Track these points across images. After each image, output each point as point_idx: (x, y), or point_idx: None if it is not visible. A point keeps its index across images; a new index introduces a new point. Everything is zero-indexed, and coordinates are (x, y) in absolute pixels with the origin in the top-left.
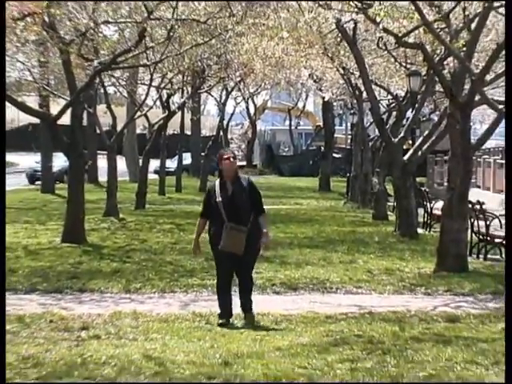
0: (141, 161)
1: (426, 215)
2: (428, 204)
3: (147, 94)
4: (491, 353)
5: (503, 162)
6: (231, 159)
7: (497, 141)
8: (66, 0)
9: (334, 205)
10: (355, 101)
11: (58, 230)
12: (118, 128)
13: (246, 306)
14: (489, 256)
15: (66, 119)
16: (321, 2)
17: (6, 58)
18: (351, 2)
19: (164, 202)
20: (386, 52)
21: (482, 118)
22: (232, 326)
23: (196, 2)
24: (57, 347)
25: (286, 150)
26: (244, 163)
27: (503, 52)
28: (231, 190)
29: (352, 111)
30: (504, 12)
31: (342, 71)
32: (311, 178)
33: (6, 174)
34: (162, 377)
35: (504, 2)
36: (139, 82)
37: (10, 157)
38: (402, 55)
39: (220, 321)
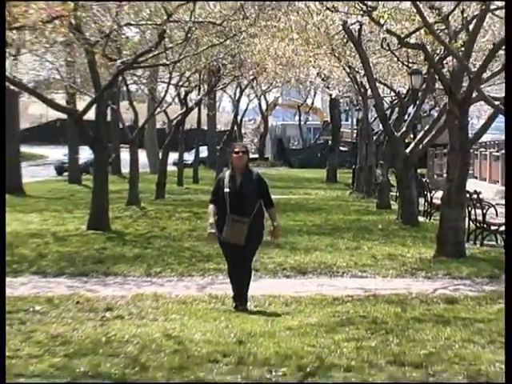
0: (160, 154)
1: (426, 204)
2: (428, 194)
3: (166, 92)
4: (487, 332)
5: (498, 154)
6: (240, 153)
7: (493, 135)
8: (91, 0)
9: (340, 195)
10: (360, 98)
11: (84, 218)
12: (140, 123)
13: (242, 299)
14: (485, 242)
15: (91, 115)
16: (328, 5)
17: (36, 58)
18: (357, 5)
19: (182, 192)
20: (389, 52)
21: (478, 114)
22: (245, 308)
23: (212, 5)
24: (83, 326)
25: (296, 143)
26: (256, 156)
27: (499, 51)
28: (239, 182)
29: (357, 107)
30: (500, 14)
31: (348, 70)
32: (319, 170)
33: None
34: (181, 354)
35: (501, 4)
36: (159, 80)
37: (39, 150)
38: (404, 55)
39: (234, 303)
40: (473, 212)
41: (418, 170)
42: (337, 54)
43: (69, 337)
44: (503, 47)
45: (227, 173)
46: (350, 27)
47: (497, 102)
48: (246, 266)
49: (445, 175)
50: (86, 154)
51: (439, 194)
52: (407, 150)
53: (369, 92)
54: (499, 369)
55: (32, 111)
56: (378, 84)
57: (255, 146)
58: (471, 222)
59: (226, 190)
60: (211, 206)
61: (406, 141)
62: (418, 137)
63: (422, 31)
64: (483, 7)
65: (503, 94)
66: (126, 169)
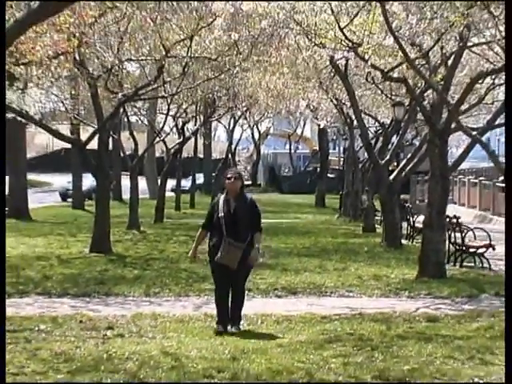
0: (159, 180)
1: (409, 228)
2: (411, 218)
3: (165, 122)
4: (466, 349)
5: (476, 181)
6: (232, 179)
7: (471, 163)
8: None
9: (328, 219)
10: (347, 128)
11: (86, 242)
12: (140, 152)
13: (235, 319)
14: (464, 264)
15: (93, 144)
16: (316, 41)
17: (42, 91)
18: (343, 42)
19: (179, 216)
20: (373, 85)
21: (457, 143)
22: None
23: (207, 41)
24: (85, 344)
25: (287, 170)
26: (250, 182)
27: (476, 85)
28: (234, 206)
29: (344, 137)
30: (476, 51)
31: (335, 102)
32: (308, 196)
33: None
34: (178, 370)
35: (477, 41)
36: (158, 111)
37: (45, 177)
38: (387, 88)
39: (217, 327)
40: (452, 235)
41: (401, 196)
42: (324, 87)
43: (72, 354)
44: (479, 81)
45: (222, 197)
46: (337, 62)
47: (474, 132)
48: (239, 288)
49: (426, 200)
50: (88, 181)
51: (421, 218)
52: (391, 177)
53: (355, 122)
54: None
55: (38, 141)
56: (363, 115)
57: (248, 172)
58: (451, 245)
59: (221, 214)
60: (200, 231)
61: (390, 168)
62: (401, 164)
63: (404, 66)
64: (461, 44)
65: (480, 125)
66: (126, 195)
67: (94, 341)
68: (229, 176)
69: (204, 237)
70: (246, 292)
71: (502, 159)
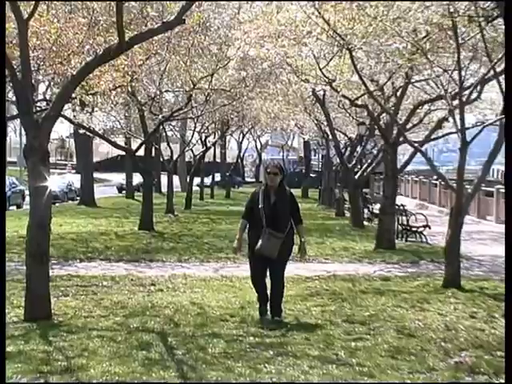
0: (188, 178)
1: (368, 213)
2: (370, 206)
3: (192, 136)
4: (410, 300)
5: (417, 179)
6: (272, 175)
7: (413, 166)
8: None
9: (310, 206)
10: (324, 140)
11: (135, 222)
12: (174, 157)
13: (276, 310)
14: (408, 239)
15: (141, 152)
16: (302, 78)
17: (104, 114)
18: (321, 78)
19: (203, 204)
20: (343, 110)
21: (403, 152)
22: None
23: (224, 77)
24: (135, 296)
25: None
26: (254, 180)
27: (417, 110)
28: (274, 199)
29: (322, 147)
30: (417, 85)
31: (315, 122)
32: (296, 189)
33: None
34: (202, 316)
35: (418, 78)
36: (188, 128)
37: (106, 175)
38: (353, 112)
39: (259, 306)
40: (400, 218)
41: (364, 190)
42: (308, 111)
43: (126, 303)
44: (419, 107)
45: (261, 189)
46: (317, 93)
47: (416, 144)
48: (278, 278)
49: (381, 193)
50: (137, 178)
51: (377, 206)
52: (356, 176)
53: (330, 137)
54: (418, 324)
55: (101, 149)
56: (336, 131)
57: (253, 173)
58: (399, 225)
59: (261, 205)
60: (242, 221)
61: (355, 170)
62: (363, 167)
63: (366, 96)
64: (406, 80)
65: (420, 139)
66: (164, 188)
67: (142, 294)
68: (269, 171)
69: (245, 227)
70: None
71: (436, 163)
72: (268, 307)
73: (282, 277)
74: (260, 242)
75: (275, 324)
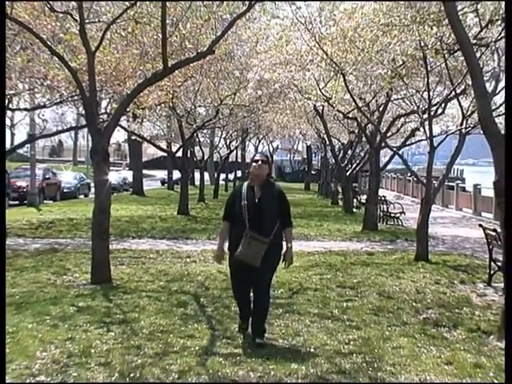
0: (215, 174)
1: (357, 202)
2: (358, 197)
3: (219, 141)
4: (389, 270)
5: (395, 176)
6: (260, 162)
7: (393, 165)
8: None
9: (311, 197)
10: (323, 145)
11: (175, 208)
12: (205, 158)
13: (258, 330)
14: (388, 223)
15: (179, 153)
16: (306, 96)
17: (151, 123)
18: (321, 96)
19: (227, 195)
20: (338, 121)
21: (385, 154)
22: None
23: (243, 95)
24: (175, 266)
25: (288, 169)
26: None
27: (395, 122)
28: (259, 195)
29: (321, 150)
30: (396, 102)
31: (316, 130)
32: (300, 183)
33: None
34: (226, 282)
35: (396, 97)
36: (216, 135)
37: (152, 172)
38: (346, 123)
39: (239, 325)
40: (381, 206)
41: (353, 184)
42: (310, 122)
43: (168, 271)
44: (397, 120)
45: (245, 184)
46: (317, 108)
47: (394, 148)
48: (261, 291)
49: (367, 187)
50: (176, 174)
51: (364, 196)
52: (347, 173)
53: (327, 142)
54: (395, 289)
55: (149, 151)
56: (332, 138)
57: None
58: (381, 212)
59: (244, 202)
60: (224, 224)
61: (347, 168)
62: (353, 166)
63: (356, 111)
64: (387, 98)
65: (398, 144)
66: (197, 182)
67: (179, 264)
68: (256, 159)
69: (229, 230)
70: None
71: (410, 163)
72: (249, 325)
73: (268, 290)
74: (240, 246)
75: (257, 347)
